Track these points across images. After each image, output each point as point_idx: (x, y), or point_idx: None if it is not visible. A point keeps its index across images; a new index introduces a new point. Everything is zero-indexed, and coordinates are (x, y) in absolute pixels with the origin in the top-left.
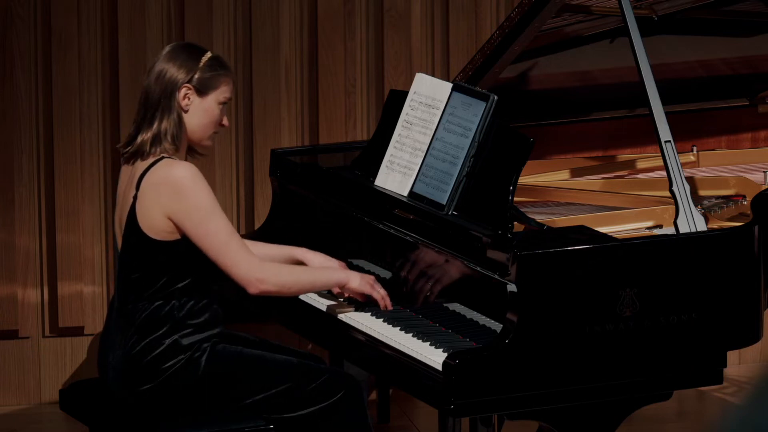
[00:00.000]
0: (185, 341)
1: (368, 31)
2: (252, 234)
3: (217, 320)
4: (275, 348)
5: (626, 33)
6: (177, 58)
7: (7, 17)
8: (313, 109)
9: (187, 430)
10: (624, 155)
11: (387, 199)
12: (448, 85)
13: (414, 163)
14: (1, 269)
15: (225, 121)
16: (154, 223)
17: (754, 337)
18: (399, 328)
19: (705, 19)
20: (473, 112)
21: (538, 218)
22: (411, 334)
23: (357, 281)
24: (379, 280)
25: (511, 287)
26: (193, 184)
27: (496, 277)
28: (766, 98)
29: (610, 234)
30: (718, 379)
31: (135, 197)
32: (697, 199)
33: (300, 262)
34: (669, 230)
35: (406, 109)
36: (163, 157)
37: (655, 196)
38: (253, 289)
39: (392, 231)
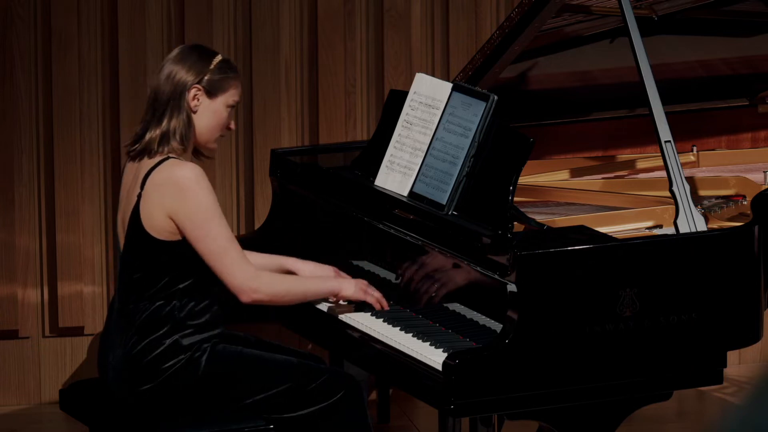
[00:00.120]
0: (185, 341)
1: (368, 31)
2: (252, 234)
3: (218, 321)
4: (275, 348)
5: (626, 33)
6: (187, 60)
7: (7, 17)
8: (313, 109)
9: (187, 430)
10: (624, 155)
11: (387, 199)
12: (448, 85)
13: (414, 163)
14: (1, 269)
15: (232, 125)
16: (157, 223)
17: (754, 337)
18: (399, 328)
19: (705, 19)
20: (473, 112)
21: (538, 218)
22: (411, 334)
23: (350, 289)
24: (379, 280)
25: (511, 287)
26: (197, 186)
27: (496, 277)
28: (766, 98)
29: (610, 234)
30: (718, 379)
31: (139, 196)
32: (697, 199)
33: (290, 272)
34: (669, 230)
35: (406, 109)
36: (169, 157)
37: (655, 196)
38: (245, 298)
39: (392, 231)
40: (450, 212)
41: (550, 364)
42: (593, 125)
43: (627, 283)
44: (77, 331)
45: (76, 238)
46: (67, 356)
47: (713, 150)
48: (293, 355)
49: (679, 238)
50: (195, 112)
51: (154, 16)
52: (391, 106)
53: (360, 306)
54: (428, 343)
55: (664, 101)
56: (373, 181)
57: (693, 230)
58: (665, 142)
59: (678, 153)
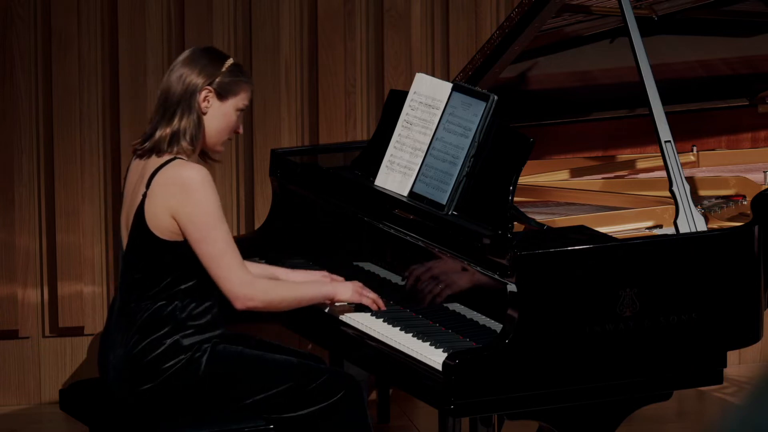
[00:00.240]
0: (186, 341)
1: (368, 31)
2: (252, 234)
3: (219, 322)
4: (275, 348)
5: (626, 33)
6: (199, 62)
7: (7, 17)
8: (313, 109)
9: (187, 430)
10: (624, 155)
11: (387, 199)
12: (448, 85)
13: (414, 163)
14: (1, 269)
15: (240, 129)
16: (162, 223)
17: (754, 337)
18: (399, 328)
19: (705, 19)
20: (473, 112)
21: (538, 218)
22: (411, 334)
23: (346, 293)
24: (379, 280)
25: (511, 287)
26: (202, 188)
27: (496, 277)
28: (766, 98)
29: (610, 234)
30: (718, 379)
31: (144, 195)
32: (697, 199)
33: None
34: (669, 230)
35: (406, 109)
36: (176, 158)
37: (655, 196)
38: (239, 305)
39: (392, 231)
40: (450, 212)
41: (550, 364)
42: (593, 125)
43: (627, 283)
44: (77, 331)
45: (76, 238)
46: (67, 356)
47: (713, 150)
48: (293, 355)
49: (679, 238)
50: (205, 114)
51: (154, 16)
52: (391, 106)
53: (360, 306)
54: (428, 343)
55: (664, 101)
56: (373, 181)
57: (693, 230)
58: (665, 142)
59: (678, 153)
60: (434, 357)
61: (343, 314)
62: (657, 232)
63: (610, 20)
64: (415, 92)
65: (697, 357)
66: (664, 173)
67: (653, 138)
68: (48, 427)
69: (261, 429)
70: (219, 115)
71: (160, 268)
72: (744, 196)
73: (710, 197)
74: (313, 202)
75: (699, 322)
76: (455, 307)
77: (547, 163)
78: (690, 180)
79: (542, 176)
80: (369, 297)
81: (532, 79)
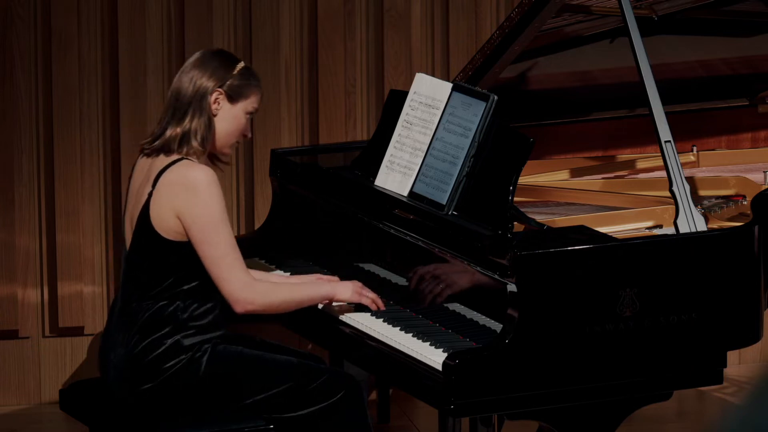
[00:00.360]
0: (187, 342)
1: (368, 31)
2: (252, 234)
3: (220, 324)
4: (275, 348)
5: (626, 33)
6: (210, 64)
7: (7, 17)
8: (313, 109)
9: (187, 430)
10: (624, 155)
11: (387, 199)
12: (448, 85)
13: (414, 163)
14: (1, 269)
15: (248, 133)
16: (167, 223)
17: (754, 337)
18: (399, 328)
19: (705, 19)
20: (473, 112)
21: (538, 218)
22: (411, 334)
23: (345, 293)
24: (379, 280)
25: (511, 287)
26: (208, 189)
27: (496, 277)
28: (766, 98)
29: (610, 234)
30: (718, 379)
31: (150, 194)
32: (697, 199)
33: None
34: (669, 230)
35: (406, 109)
36: (184, 158)
37: (655, 196)
38: (239, 308)
39: (392, 231)
40: (450, 212)
41: (550, 364)
42: (593, 125)
43: (627, 283)
44: (77, 331)
45: (76, 238)
46: (67, 356)
47: (713, 150)
48: (293, 355)
49: (679, 238)
50: (215, 116)
51: (154, 16)
52: (391, 106)
53: (360, 305)
54: (428, 343)
55: (664, 101)
56: (373, 181)
57: (693, 230)
58: (665, 142)
59: (678, 153)
60: (434, 357)
61: (343, 314)
62: (657, 232)
63: (610, 20)
64: (415, 92)
65: (697, 357)
66: (664, 173)
67: (653, 138)
68: (48, 427)
69: (261, 429)
70: (229, 118)
71: (163, 267)
72: (744, 196)
73: (710, 197)
74: (313, 202)
75: (699, 322)
76: (455, 307)
77: (547, 163)
78: (690, 180)
79: (542, 176)
80: (368, 297)
81: (532, 79)
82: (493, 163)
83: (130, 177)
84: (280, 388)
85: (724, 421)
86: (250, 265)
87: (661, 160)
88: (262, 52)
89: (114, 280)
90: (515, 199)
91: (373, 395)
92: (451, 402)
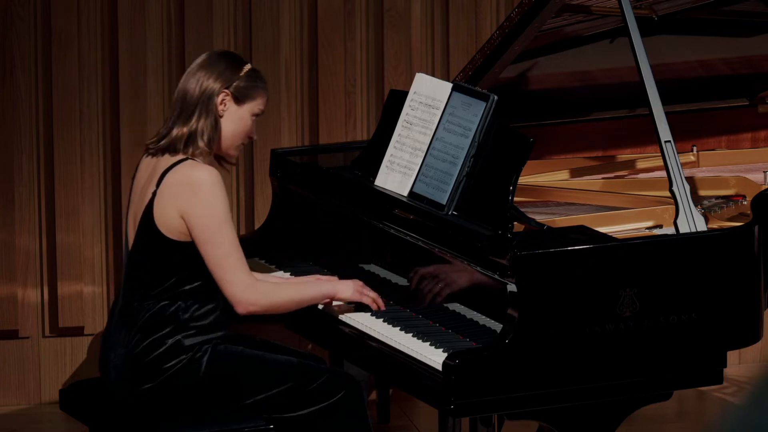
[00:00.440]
0: (187, 342)
1: (368, 31)
2: (252, 234)
3: (221, 325)
4: (275, 348)
5: (626, 33)
6: (217, 66)
7: (7, 17)
8: (313, 109)
9: (187, 430)
10: (624, 155)
11: (387, 199)
12: (448, 85)
13: (414, 163)
14: (1, 269)
15: (254, 134)
16: (171, 222)
17: (754, 337)
18: (399, 328)
19: (705, 19)
20: (473, 112)
21: (538, 218)
22: (411, 334)
23: (346, 292)
24: (379, 280)
25: (511, 287)
26: (212, 190)
27: (496, 277)
28: (766, 98)
29: (610, 234)
30: (718, 379)
31: (154, 194)
32: (697, 199)
33: None
34: (669, 230)
35: (406, 109)
36: (189, 158)
37: (655, 196)
38: (241, 309)
39: (392, 231)
40: (450, 212)
41: (550, 364)
42: (593, 125)
43: (627, 283)
44: (77, 331)
45: (76, 238)
46: (67, 356)
47: (713, 150)
48: (293, 355)
49: (679, 238)
50: (221, 117)
51: (154, 16)
52: (391, 106)
53: (360, 305)
54: (428, 343)
55: (664, 101)
56: (373, 181)
57: (693, 230)
58: (665, 142)
59: (678, 153)
60: (434, 357)
61: (342, 314)
62: (657, 232)
63: (610, 20)
64: (415, 92)
65: (697, 357)
66: (664, 173)
67: (653, 138)
68: (48, 427)
69: (261, 429)
70: (235, 119)
71: (165, 267)
72: (744, 196)
73: (710, 197)
74: (313, 202)
75: (699, 322)
76: (455, 307)
77: (547, 163)
78: (690, 180)
79: (542, 176)
80: (369, 296)
81: (532, 79)
82: (493, 163)
83: (134, 176)
84: (281, 388)
85: (724, 421)
86: (249, 266)
87: (661, 160)
88: (262, 52)
89: (114, 280)
90: (515, 199)
91: (373, 395)
92: (451, 402)
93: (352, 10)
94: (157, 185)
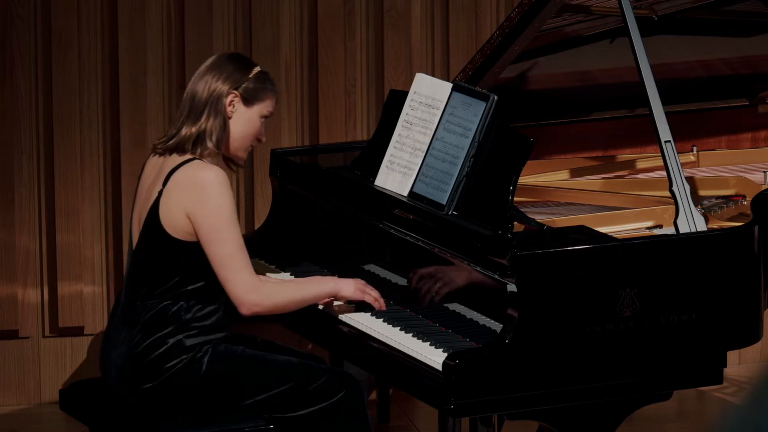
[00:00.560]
0: (189, 342)
1: (368, 31)
2: (252, 234)
3: (223, 325)
4: (276, 348)
5: (626, 33)
6: (226, 67)
7: (7, 17)
8: (313, 109)
9: (187, 430)
10: (624, 155)
11: (387, 199)
12: (448, 85)
13: (414, 163)
14: (1, 269)
15: (262, 136)
16: (176, 222)
17: (754, 337)
18: (399, 328)
19: (705, 19)
20: (473, 112)
21: (538, 218)
22: (411, 334)
23: (348, 290)
24: (379, 280)
25: (511, 287)
26: (218, 190)
27: (496, 277)
28: (766, 98)
29: (610, 234)
30: (718, 379)
31: (160, 193)
32: (697, 199)
33: None
34: (669, 230)
35: (406, 109)
36: (196, 159)
37: (655, 196)
38: (245, 310)
39: (392, 231)
40: (450, 212)
41: (550, 364)
42: (593, 125)
43: (627, 283)
44: (77, 331)
45: (76, 238)
46: (67, 356)
47: (713, 150)
48: (294, 355)
49: (679, 238)
50: (230, 118)
51: (154, 16)
52: (391, 106)
53: (360, 306)
54: (428, 343)
55: (664, 101)
56: (373, 181)
57: (693, 230)
58: (665, 142)
59: (678, 153)
60: (434, 357)
61: (342, 314)
62: (657, 232)
63: (610, 20)
64: (415, 92)
65: (697, 357)
66: (664, 173)
67: (653, 138)
68: (48, 427)
69: (261, 429)
70: (244, 120)
71: (170, 267)
72: (744, 196)
73: (710, 197)
74: (313, 202)
75: (699, 322)
76: (455, 307)
77: (547, 163)
78: (690, 180)
79: (542, 176)
80: (371, 294)
81: (532, 79)
82: (493, 163)
83: (140, 176)
84: (281, 389)
85: (724, 421)
86: None
87: (661, 160)
88: (262, 52)
89: (114, 280)
90: (515, 199)
91: (373, 395)
92: (451, 402)
93: (352, 10)
94: (164, 184)
